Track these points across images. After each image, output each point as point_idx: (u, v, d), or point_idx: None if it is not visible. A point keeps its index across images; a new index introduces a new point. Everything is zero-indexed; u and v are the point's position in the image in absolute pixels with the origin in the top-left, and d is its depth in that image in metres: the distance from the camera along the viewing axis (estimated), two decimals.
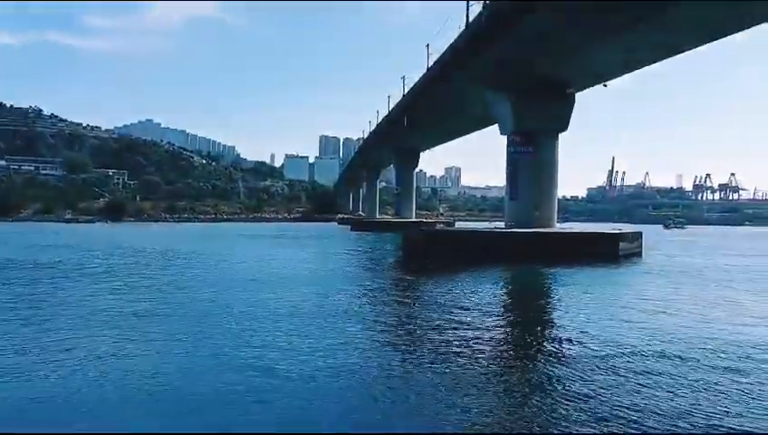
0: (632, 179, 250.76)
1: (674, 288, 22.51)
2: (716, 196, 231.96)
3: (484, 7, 34.81)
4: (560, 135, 39.55)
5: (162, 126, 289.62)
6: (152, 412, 8.33)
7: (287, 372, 10.01)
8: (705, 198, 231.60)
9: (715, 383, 9.56)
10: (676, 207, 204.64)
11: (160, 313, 15.70)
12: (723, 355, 11.48)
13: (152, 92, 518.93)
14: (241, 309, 16.26)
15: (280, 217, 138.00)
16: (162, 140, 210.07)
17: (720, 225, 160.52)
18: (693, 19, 26.64)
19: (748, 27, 27.89)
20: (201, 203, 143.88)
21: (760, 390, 9.27)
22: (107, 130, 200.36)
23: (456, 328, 14.15)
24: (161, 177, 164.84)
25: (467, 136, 69.72)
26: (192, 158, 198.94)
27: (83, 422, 7.87)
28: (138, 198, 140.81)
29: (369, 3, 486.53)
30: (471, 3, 37.23)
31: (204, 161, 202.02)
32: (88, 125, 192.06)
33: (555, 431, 7.61)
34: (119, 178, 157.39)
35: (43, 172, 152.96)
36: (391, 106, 74.51)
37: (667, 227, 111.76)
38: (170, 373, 10.00)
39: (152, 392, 9.06)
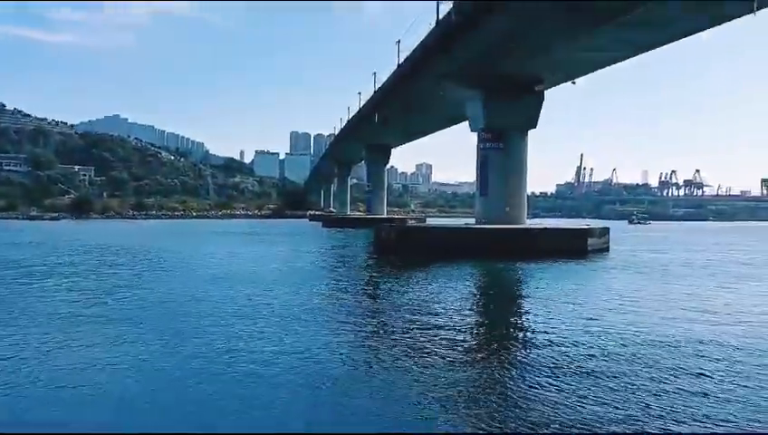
0: (600, 176, 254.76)
1: (640, 284, 22.97)
2: (681, 192, 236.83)
3: (453, 6, 35.05)
4: (529, 132, 40.00)
5: (129, 121, 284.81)
6: (121, 412, 8.26)
7: (253, 372, 10.00)
8: (670, 194, 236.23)
9: (673, 377, 9.82)
10: (642, 204, 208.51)
11: (127, 314, 15.52)
12: (686, 351, 11.77)
13: (119, 88, 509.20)
14: (209, 308, 16.14)
15: (250, 213, 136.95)
16: (129, 136, 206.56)
17: (685, 220, 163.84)
18: (662, 17, 26.95)
19: (718, 24, 28.31)
20: (169, 200, 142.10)
21: (714, 385, 9.54)
22: (72, 126, 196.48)
23: (425, 324, 14.25)
24: (129, 173, 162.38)
25: (438, 133, 70.12)
26: (160, 154, 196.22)
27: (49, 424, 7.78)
28: (105, 194, 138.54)
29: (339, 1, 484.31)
30: (441, 1, 37.52)
31: (172, 157, 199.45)
32: (53, 120, 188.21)
33: (526, 428, 7.73)
34: (85, 175, 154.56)
35: (6, 168, 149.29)
36: (362, 103, 74.59)
37: (631, 222, 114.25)
38: (132, 374, 9.92)
39: (118, 394, 8.98)
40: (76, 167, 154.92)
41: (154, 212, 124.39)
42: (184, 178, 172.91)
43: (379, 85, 62.20)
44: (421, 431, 7.59)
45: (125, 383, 9.38)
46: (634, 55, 33.85)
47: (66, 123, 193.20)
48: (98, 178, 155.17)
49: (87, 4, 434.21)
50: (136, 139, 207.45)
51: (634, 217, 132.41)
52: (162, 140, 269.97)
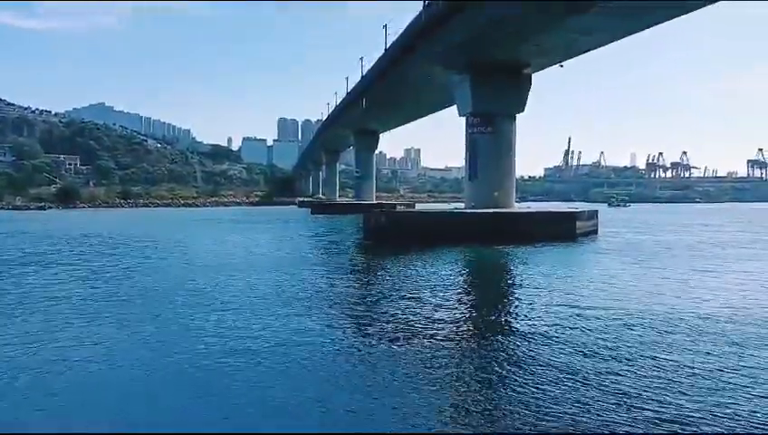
0: (588, 159, 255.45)
1: (629, 267, 23.13)
2: (669, 174, 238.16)
3: None
4: (517, 116, 39.91)
5: (115, 109, 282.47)
6: (117, 408, 8.18)
7: (243, 359, 9.95)
8: (657, 175, 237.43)
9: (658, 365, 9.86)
10: (630, 186, 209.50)
11: (120, 302, 15.38)
12: (675, 338, 11.83)
13: (104, 76, 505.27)
14: (197, 298, 16.08)
15: (238, 200, 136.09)
16: (115, 124, 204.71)
17: (672, 202, 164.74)
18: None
19: (710, 3, 28.15)
20: (157, 188, 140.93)
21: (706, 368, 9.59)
22: (57, 115, 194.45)
23: (415, 310, 14.24)
24: (115, 162, 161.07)
25: (427, 117, 69.79)
26: (146, 142, 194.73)
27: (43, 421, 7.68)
28: (91, 183, 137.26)
29: None
30: None
31: (159, 145, 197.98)
32: (37, 109, 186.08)
33: (519, 422, 7.72)
34: (71, 164, 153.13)
35: None
36: (350, 88, 74.13)
37: (610, 205, 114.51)
38: (125, 366, 9.84)
39: (113, 386, 8.90)
40: (61, 156, 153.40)
41: (141, 201, 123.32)
42: (171, 166, 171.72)
43: (366, 70, 61.90)
44: (420, 431, 7.54)
45: (114, 377, 9.29)
46: (621, 38, 33.70)
47: (50, 112, 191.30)
48: (84, 167, 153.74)
49: None
50: (122, 127, 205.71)
51: (613, 199, 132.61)
52: (148, 128, 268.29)
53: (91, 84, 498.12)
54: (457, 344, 11.18)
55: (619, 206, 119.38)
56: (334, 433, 7.46)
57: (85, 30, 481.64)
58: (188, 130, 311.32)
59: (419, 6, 38.91)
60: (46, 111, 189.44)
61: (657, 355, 10.05)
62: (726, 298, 15.68)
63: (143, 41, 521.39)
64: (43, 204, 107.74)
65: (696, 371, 9.18)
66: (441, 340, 11.35)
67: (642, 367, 9.40)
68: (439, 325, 12.63)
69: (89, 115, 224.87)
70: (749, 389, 8.40)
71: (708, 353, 10.17)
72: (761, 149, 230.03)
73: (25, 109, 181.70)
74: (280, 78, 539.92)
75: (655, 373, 9.07)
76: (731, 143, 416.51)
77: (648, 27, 31.52)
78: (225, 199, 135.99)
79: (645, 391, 8.30)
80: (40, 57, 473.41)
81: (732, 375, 8.98)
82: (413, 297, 16.02)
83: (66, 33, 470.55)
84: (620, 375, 8.99)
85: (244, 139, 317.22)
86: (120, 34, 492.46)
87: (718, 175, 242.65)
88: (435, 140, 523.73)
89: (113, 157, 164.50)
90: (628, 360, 9.81)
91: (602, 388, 8.42)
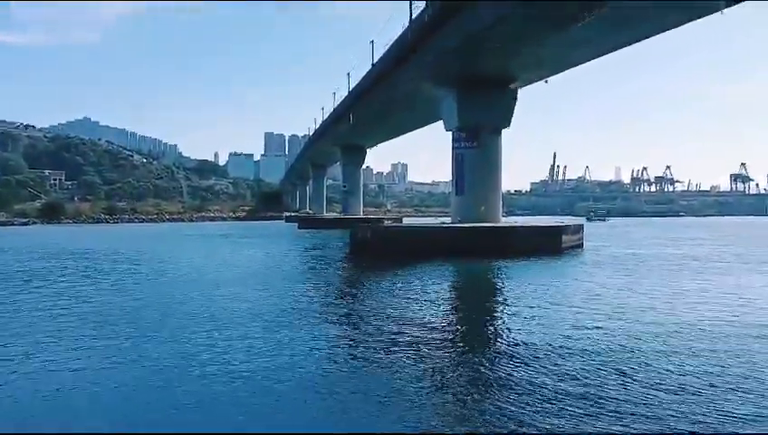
0: (574, 173, 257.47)
1: (616, 280, 23.24)
2: (653, 188, 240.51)
3: (426, 6, 35.13)
4: (503, 130, 40.19)
5: (101, 124, 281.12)
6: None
7: (230, 373, 9.90)
8: (642, 190, 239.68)
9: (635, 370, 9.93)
10: (615, 200, 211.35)
11: (96, 320, 15.24)
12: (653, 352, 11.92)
13: (89, 90, 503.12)
14: (187, 311, 15.98)
15: (225, 215, 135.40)
16: (100, 139, 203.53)
17: (656, 216, 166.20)
18: (636, 14, 26.97)
19: (692, 20, 28.45)
20: (143, 203, 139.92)
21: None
22: (41, 130, 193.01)
23: (402, 324, 14.22)
24: (100, 177, 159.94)
25: (414, 132, 70.06)
26: (132, 157, 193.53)
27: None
28: (76, 199, 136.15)
29: None
30: (414, 1, 37.66)
31: (145, 160, 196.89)
32: (21, 124, 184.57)
33: (507, 429, 7.73)
34: (55, 179, 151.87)
35: None
36: (337, 103, 74.42)
37: (589, 219, 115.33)
38: (110, 382, 9.75)
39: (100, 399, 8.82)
40: (46, 171, 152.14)
41: (127, 216, 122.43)
42: (157, 182, 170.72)
43: (353, 85, 62.20)
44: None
45: (103, 392, 9.21)
46: (608, 52, 34.00)
47: (35, 127, 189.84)
48: (69, 183, 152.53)
49: (52, 2, 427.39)
50: (107, 142, 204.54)
51: (592, 213, 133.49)
52: (134, 143, 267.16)
53: (77, 99, 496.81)
54: (444, 359, 11.18)
55: (597, 220, 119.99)
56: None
57: (70, 44, 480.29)
58: (175, 146, 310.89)
59: (407, 21, 39.27)
60: (31, 125, 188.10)
61: (646, 365, 10.12)
62: (704, 311, 15.81)
63: (129, 55, 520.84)
64: (27, 219, 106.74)
65: (678, 378, 9.25)
66: (427, 355, 11.34)
67: (632, 377, 9.45)
68: (426, 340, 12.61)
69: (74, 130, 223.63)
70: (734, 398, 8.48)
71: (693, 364, 10.25)
72: (743, 164, 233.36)
73: (9, 124, 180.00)
74: (267, 93, 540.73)
75: (644, 383, 9.12)
76: (714, 158, 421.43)
77: (635, 42, 31.78)
78: (212, 214, 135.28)
79: (633, 400, 8.36)
80: (24, 72, 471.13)
81: (721, 384, 9.05)
82: (400, 312, 16.01)
83: (50, 47, 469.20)
84: (611, 388, 9.03)
85: (230, 154, 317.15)
86: (105, 49, 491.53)
87: (702, 189, 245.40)
88: (422, 155, 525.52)
89: (99, 172, 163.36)
90: (621, 370, 9.86)
91: (589, 400, 8.46)
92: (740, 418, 7.80)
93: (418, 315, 15.47)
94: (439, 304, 17.77)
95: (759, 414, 7.91)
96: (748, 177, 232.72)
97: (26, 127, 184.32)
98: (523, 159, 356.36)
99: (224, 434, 7.45)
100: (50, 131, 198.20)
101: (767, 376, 9.65)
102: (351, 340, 12.62)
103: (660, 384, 9.18)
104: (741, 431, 7.34)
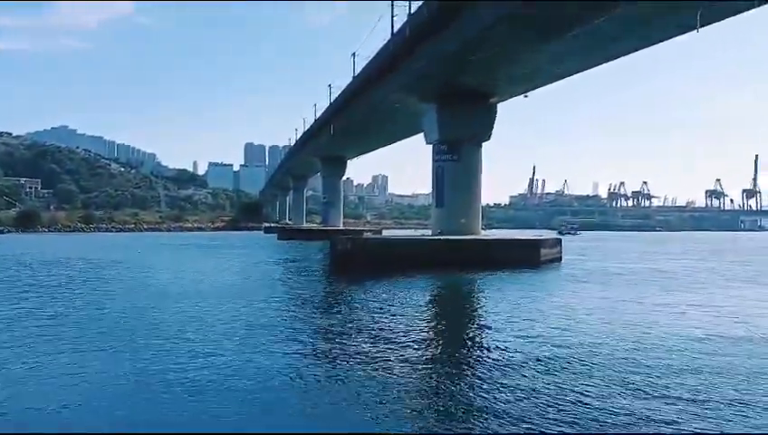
0: (552, 187, 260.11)
1: (593, 294, 23.45)
2: (630, 202, 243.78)
3: (407, 21, 35.47)
4: (483, 144, 40.53)
5: (78, 132, 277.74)
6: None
7: (208, 383, 9.83)
8: (619, 204, 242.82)
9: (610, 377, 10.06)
10: (592, 214, 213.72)
11: (69, 330, 15.03)
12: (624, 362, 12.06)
13: (67, 97, 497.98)
14: (164, 323, 15.79)
15: (204, 226, 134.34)
16: (78, 147, 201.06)
17: (633, 230, 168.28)
18: (613, 31, 27.30)
19: (670, 38, 28.79)
20: (120, 212, 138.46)
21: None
22: (18, 137, 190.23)
23: (379, 336, 14.22)
24: (77, 185, 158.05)
25: (395, 144, 70.31)
26: (110, 165, 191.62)
27: None
28: (52, 207, 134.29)
29: (295, 5, 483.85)
30: (395, 14, 37.95)
31: (123, 169, 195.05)
32: None
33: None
34: (31, 187, 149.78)
35: None
36: (318, 114, 74.53)
37: (560, 233, 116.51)
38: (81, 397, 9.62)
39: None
40: (22, 179, 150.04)
41: (104, 225, 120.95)
42: (135, 191, 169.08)
43: (334, 97, 62.34)
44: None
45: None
46: (588, 68, 34.50)
47: (11, 134, 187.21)
48: (45, 191, 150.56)
49: (29, 5, 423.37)
50: (85, 150, 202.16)
51: (563, 227, 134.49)
52: (112, 152, 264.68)
53: (54, 107, 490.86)
54: (424, 372, 11.20)
55: (568, 233, 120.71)
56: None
57: (48, 50, 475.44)
58: (153, 155, 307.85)
59: (388, 34, 39.53)
60: (7, 132, 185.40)
61: (623, 375, 10.23)
62: (678, 322, 16.03)
63: (108, 63, 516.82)
64: (2, 228, 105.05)
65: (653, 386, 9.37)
66: (406, 368, 11.35)
67: (611, 386, 9.55)
68: (402, 354, 12.62)
69: (51, 138, 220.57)
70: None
71: (670, 373, 10.39)
72: (718, 180, 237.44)
73: None
74: (247, 103, 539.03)
75: (623, 393, 9.23)
76: (690, 174, 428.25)
77: (613, 59, 32.29)
78: (190, 224, 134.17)
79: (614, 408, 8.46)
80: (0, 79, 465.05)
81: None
82: (379, 324, 15.99)
83: (28, 53, 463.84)
84: (592, 398, 9.12)
85: (210, 163, 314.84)
86: (84, 56, 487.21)
87: (678, 204, 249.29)
88: (402, 167, 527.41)
89: (76, 180, 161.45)
90: (603, 381, 9.96)
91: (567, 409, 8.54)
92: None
93: (396, 328, 15.45)
94: (417, 318, 17.77)
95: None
96: (723, 193, 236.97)
97: (2, 134, 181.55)
98: (501, 172, 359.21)
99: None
100: (26, 139, 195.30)
101: (729, 386, 9.81)
102: (325, 354, 12.50)
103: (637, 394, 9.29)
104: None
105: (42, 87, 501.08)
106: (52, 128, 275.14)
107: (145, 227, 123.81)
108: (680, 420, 8.18)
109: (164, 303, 19.50)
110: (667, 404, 8.89)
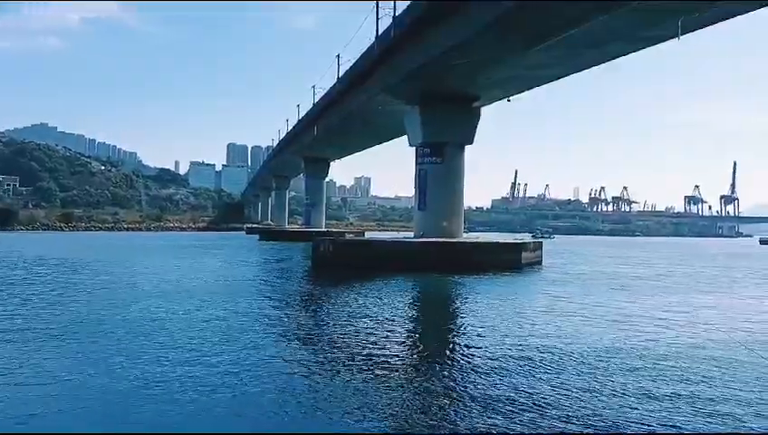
0: (534, 191, 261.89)
1: (570, 295, 23.70)
2: (610, 207, 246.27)
3: (392, 23, 35.59)
4: (466, 147, 40.75)
5: (58, 130, 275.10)
6: None
7: (186, 387, 9.84)
8: (600, 209, 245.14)
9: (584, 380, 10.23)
10: (573, 219, 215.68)
11: (50, 331, 14.92)
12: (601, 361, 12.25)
13: (47, 95, 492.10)
14: (139, 326, 15.66)
15: (185, 226, 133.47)
16: (58, 145, 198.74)
17: (613, 235, 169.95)
18: (596, 38, 27.62)
19: (651, 46, 29.21)
20: (100, 211, 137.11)
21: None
22: None
23: (361, 337, 14.29)
24: (57, 183, 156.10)
25: (377, 146, 70.39)
26: (90, 163, 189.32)
27: None
28: (30, 205, 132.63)
29: (278, 5, 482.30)
30: (381, 16, 38.06)
31: (103, 168, 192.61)
32: None
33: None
34: (9, 185, 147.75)
35: None
36: (301, 116, 74.41)
37: (534, 236, 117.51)
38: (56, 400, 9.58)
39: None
40: (0, 176, 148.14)
41: (83, 224, 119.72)
42: (115, 190, 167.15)
43: (318, 98, 62.31)
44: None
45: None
46: (570, 74, 34.76)
47: None
48: (23, 189, 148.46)
49: (10, 4, 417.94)
50: (64, 148, 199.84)
51: (538, 231, 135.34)
52: (93, 150, 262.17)
53: (34, 104, 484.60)
54: (406, 374, 11.29)
55: (543, 237, 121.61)
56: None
57: (27, 49, 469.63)
58: (134, 153, 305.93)
59: (373, 36, 39.63)
60: None
61: (600, 377, 10.40)
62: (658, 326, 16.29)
63: (88, 60, 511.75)
64: None
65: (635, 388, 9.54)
66: (383, 368, 11.43)
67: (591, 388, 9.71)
68: (384, 351, 12.71)
69: (31, 135, 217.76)
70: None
71: (648, 376, 10.57)
72: (697, 187, 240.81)
73: None
74: (230, 103, 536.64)
75: (602, 393, 9.38)
76: (670, 179, 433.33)
77: (600, 63, 32.51)
78: (171, 224, 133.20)
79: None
80: None
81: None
82: (360, 326, 16.05)
83: (8, 50, 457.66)
84: (552, 396, 9.26)
85: (191, 163, 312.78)
86: (65, 54, 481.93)
87: (657, 209, 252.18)
88: (385, 169, 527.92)
89: (55, 178, 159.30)
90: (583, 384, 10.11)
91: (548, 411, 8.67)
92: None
93: (379, 332, 15.51)
94: (398, 319, 17.84)
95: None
96: (701, 199, 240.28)
97: None
98: (484, 176, 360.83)
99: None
100: (5, 136, 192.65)
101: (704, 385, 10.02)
102: (303, 356, 12.56)
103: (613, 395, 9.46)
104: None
105: (22, 85, 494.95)
106: (32, 125, 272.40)
107: (125, 226, 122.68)
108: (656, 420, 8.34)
109: (147, 302, 19.37)
110: (642, 403, 9.07)
